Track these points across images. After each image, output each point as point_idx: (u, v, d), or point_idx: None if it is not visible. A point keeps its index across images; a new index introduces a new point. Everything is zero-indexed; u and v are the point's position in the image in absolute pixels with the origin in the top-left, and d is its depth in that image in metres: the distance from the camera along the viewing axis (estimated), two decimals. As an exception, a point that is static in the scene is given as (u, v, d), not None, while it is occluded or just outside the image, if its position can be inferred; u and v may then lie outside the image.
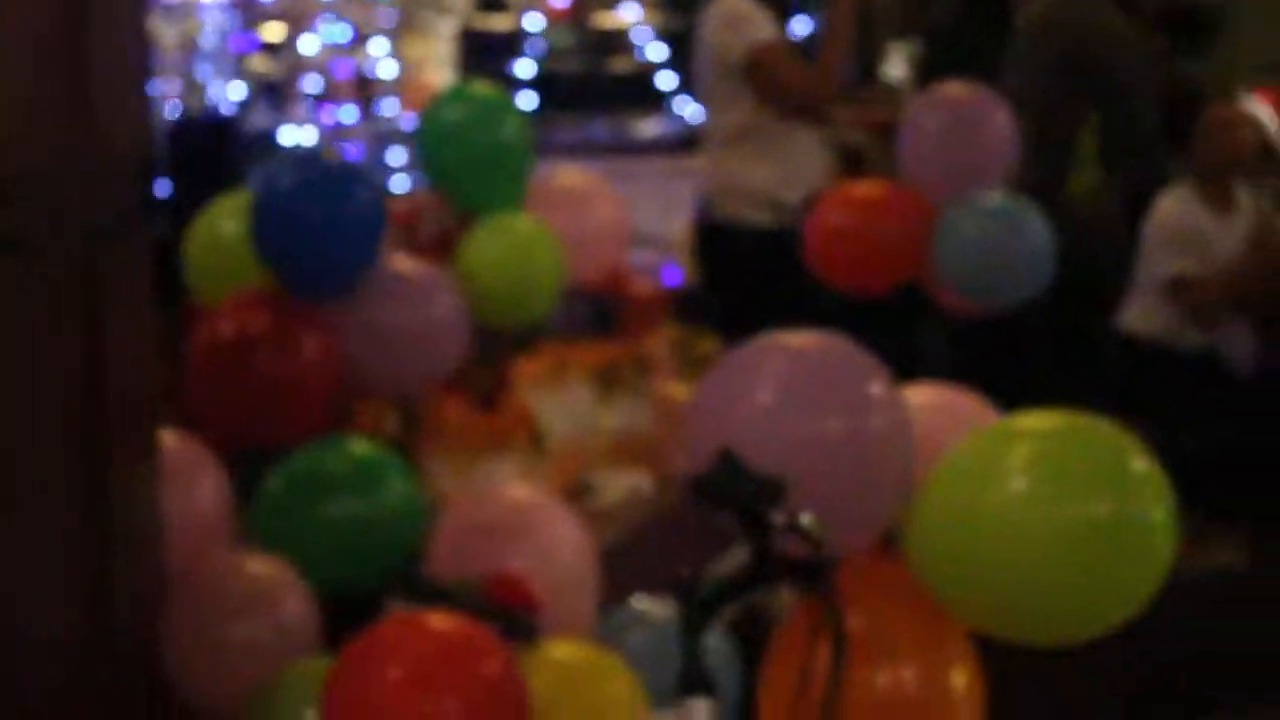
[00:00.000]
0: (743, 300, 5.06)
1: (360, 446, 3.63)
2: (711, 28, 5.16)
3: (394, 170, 8.73)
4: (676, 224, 6.97)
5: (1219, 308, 5.33)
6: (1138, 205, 6.21)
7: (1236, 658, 4.63)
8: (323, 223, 3.77)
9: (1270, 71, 9.88)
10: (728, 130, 5.16)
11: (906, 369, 2.76)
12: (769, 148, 5.14)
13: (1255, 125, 6.68)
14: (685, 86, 9.31)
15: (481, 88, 4.66)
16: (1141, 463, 2.45)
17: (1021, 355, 5.38)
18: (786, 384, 2.54)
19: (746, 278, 5.00)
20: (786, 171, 5.10)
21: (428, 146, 4.45)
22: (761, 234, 4.95)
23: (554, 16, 10.20)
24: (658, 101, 9.36)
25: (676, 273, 6.67)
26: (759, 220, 5.03)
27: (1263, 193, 5.99)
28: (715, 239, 5.19)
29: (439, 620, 2.67)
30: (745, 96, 5.12)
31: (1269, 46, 10.11)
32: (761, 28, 5.10)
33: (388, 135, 8.86)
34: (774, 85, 5.07)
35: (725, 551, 2.62)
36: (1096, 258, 5.74)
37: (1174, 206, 5.42)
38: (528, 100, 9.26)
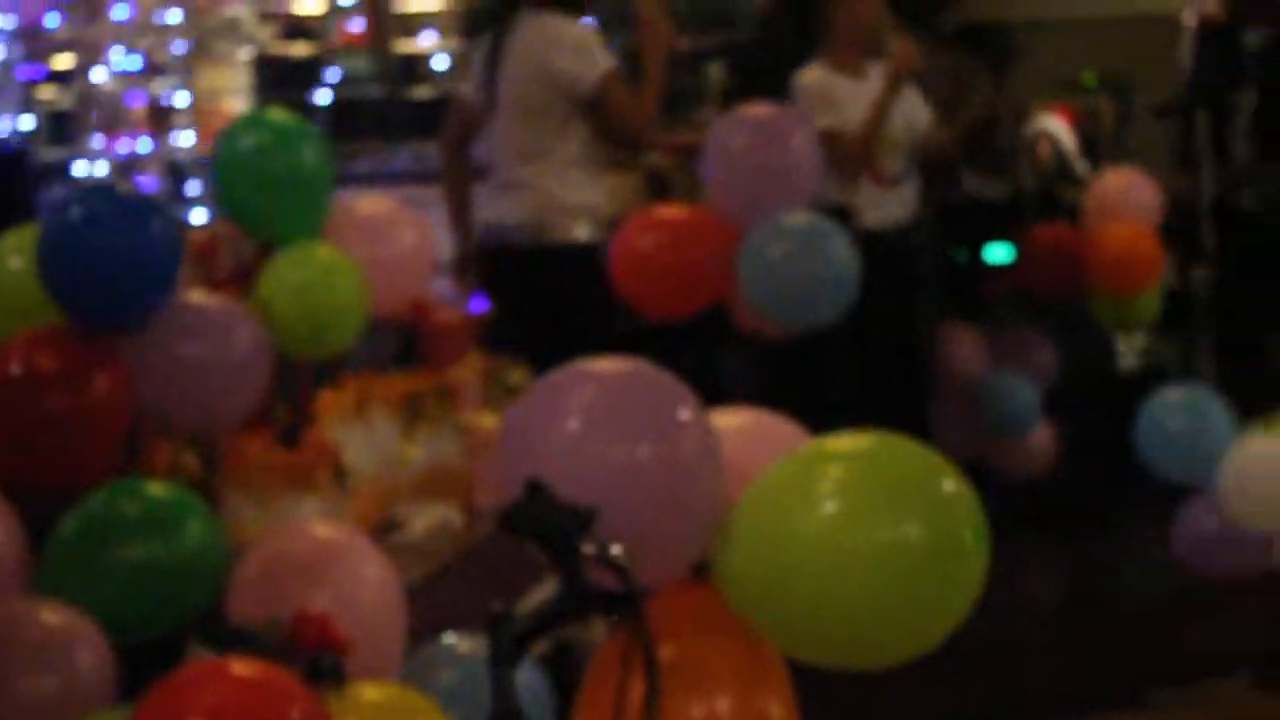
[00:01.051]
0: (561, 322, 5.02)
1: (156, 487, 3.52)
2: (554, 54, 5.10)
3: (191, 202, 8.58)
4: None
5: (856, 160, 5.43)
6: (940, 223, 6.29)
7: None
8: (115, 256, 3.66)
9: (1064, 89, 10.10)
10: (563, 155, 5.10)
11: (713, 392, 2.74)
12: (599, 171, 5.14)
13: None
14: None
15: (277, 114, 4.55)
16: (952, 484, 2.44)
17: (825, 376, 5.40)
18: (593, 412, 2.50)
19: (575, 297, 4.95)
20: (607, 194, 5.11)
21: (223, 175, 4.34)
22: (594, 251, 4.92)
23: (352, 43, 10.10)
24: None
25: (483, 300, 6.62)
26: (592, 239, 5.01)
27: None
28: (540, 261, 5.13)
29: (241, 665, 2.58)
30: (583, 123, 5.09)
31: (1060, 64, 10.32)
32: (606, 57, 5.09)
33: (183, 166, 8.71)
34: (616, 116, 5.07)
35: (536, 584, 2.57)
36: (899, 276, 5.80)
37: (815, 74, 5.53)
38: (327, 128, 9.17)
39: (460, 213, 5.48)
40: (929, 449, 2.50)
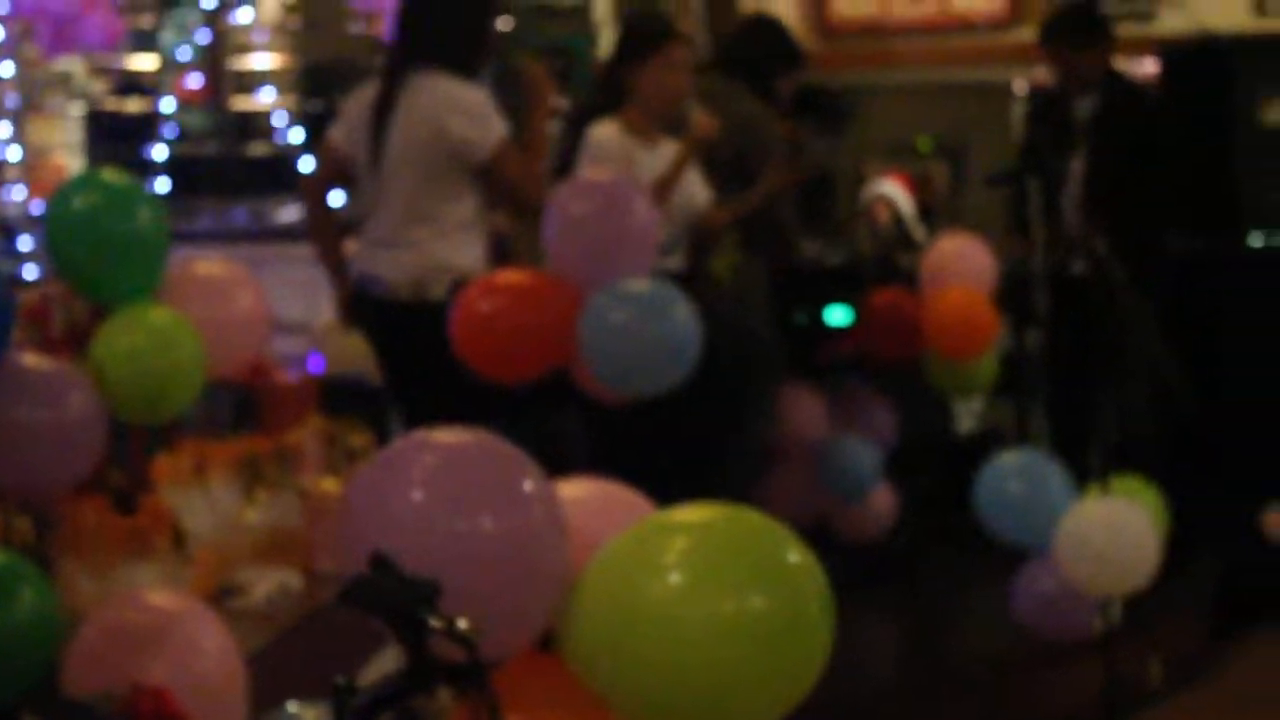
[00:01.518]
0: (434, 377, 4.99)
1: (-12, 555, 3.45)
2: (449, 119, 5.04)
3: (22, 258, 8.44)
4: (321, 311, 6.87)
5: None
6: (777, 284, 6.33)
7: None
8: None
9: (895, 153, 10.23)
10: (452, 218, 5.07)
11: (554, 457, 2.73)
12: (479, 235, 5.14)
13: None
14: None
15: (111, 174, 4.50)
16: (797, 555, 2.46)
17: (668, 441, 5.40)
18: (436, 482, 2.49)
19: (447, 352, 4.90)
20: (482, 257, 5.11)
21: (56, 237, 4.29)
22: None
23: (189, 99, 10.00)
24: (297, 186, 9.23)
25: (320, 361, 6.56)
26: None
27: None
28: (416, 317, 5.08)
29: (76, 741, 2.54)
30: (475, 188, 5.07)
31: (894, 129, 10.47)
32: (500, 124, 5.07)
33: (14, 221, 8.57)
34: (511, 183, 5.07)
35: (380, 651, 2.54)
36: (739, 338, 5.83)
37: (608, 130, 5.49)
38: (163, 185, 9.07)
39: (332, 258, 5.42)
40: (773, 520, 2.51)
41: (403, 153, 5.10)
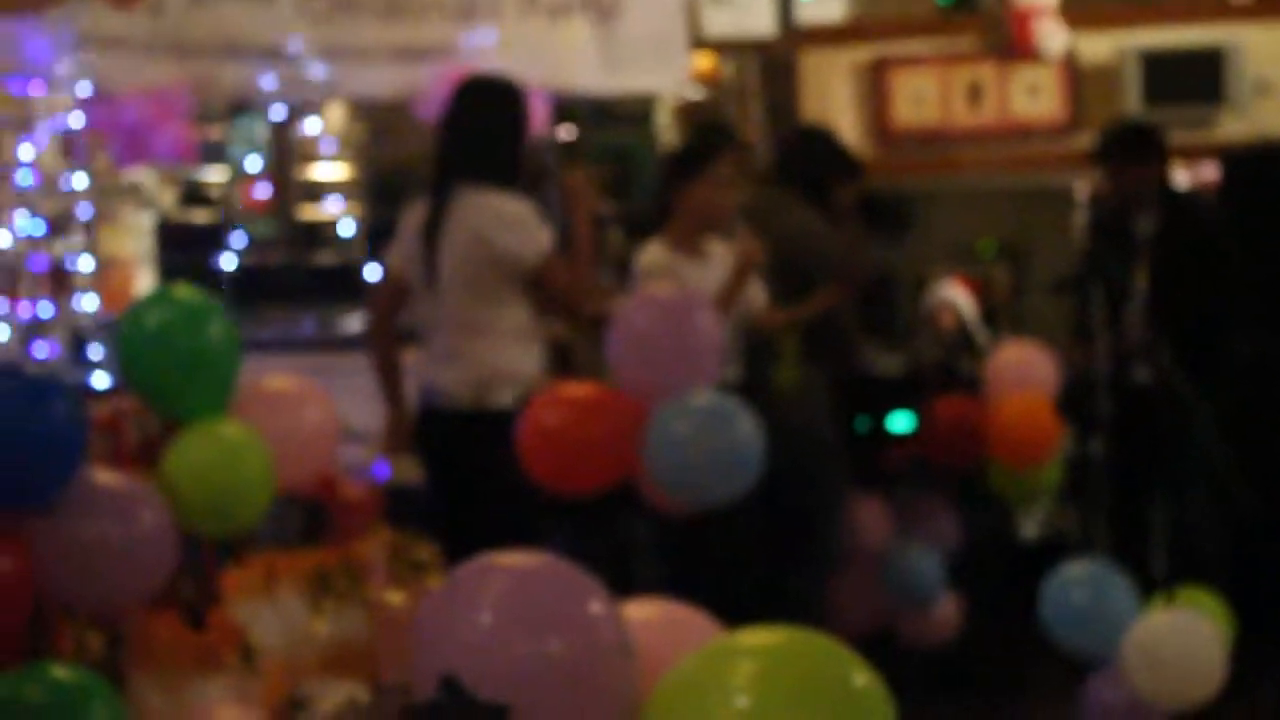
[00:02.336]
0: (492, 483, 5.06)
1: (61, 672, 3.49)
2: (495, 232, 5.13)
3: (93, 366, 8.52)
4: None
5: None
6: (839, 392, 6.35)
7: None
8: (18, 435, 3.65)
9: (958, 258, 10.27)
10: (503, 327, 5.14)
11: (623, 566, 2.75)
12: (535, 341, 5.22)
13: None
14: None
15: (184, 290, 4.57)
16: (863, 679, 2.46)
17: (738, 552, 5.43)
18: (505, 606, 2.51)
19: (508, 459, 4.93)
20: (535, 366, 5.16)
21: (129, 353, 4.35)
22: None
23: (256, 209, 10.12)
24: (363, 294, 9.31)
25: (387, 470, 6.60)
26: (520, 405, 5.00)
27: None
28: (477, 425, 5.14)
29: None
30: (524, 295, 5.14)
31: (956, 235, 10.51)
32: (545, 233, 5.15)
33: (86, 331, 8.66)
34: (558, 291, 5.17)
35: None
36: (804, 448, 5.84)
37: (655, 253, 5.63)
38: (231, 295, 9.16)
39: (391, 382, 5.51)
40: (838, 643, 2.51)
41: (453, 267, 5.20)
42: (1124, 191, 7.09)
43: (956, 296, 9.22)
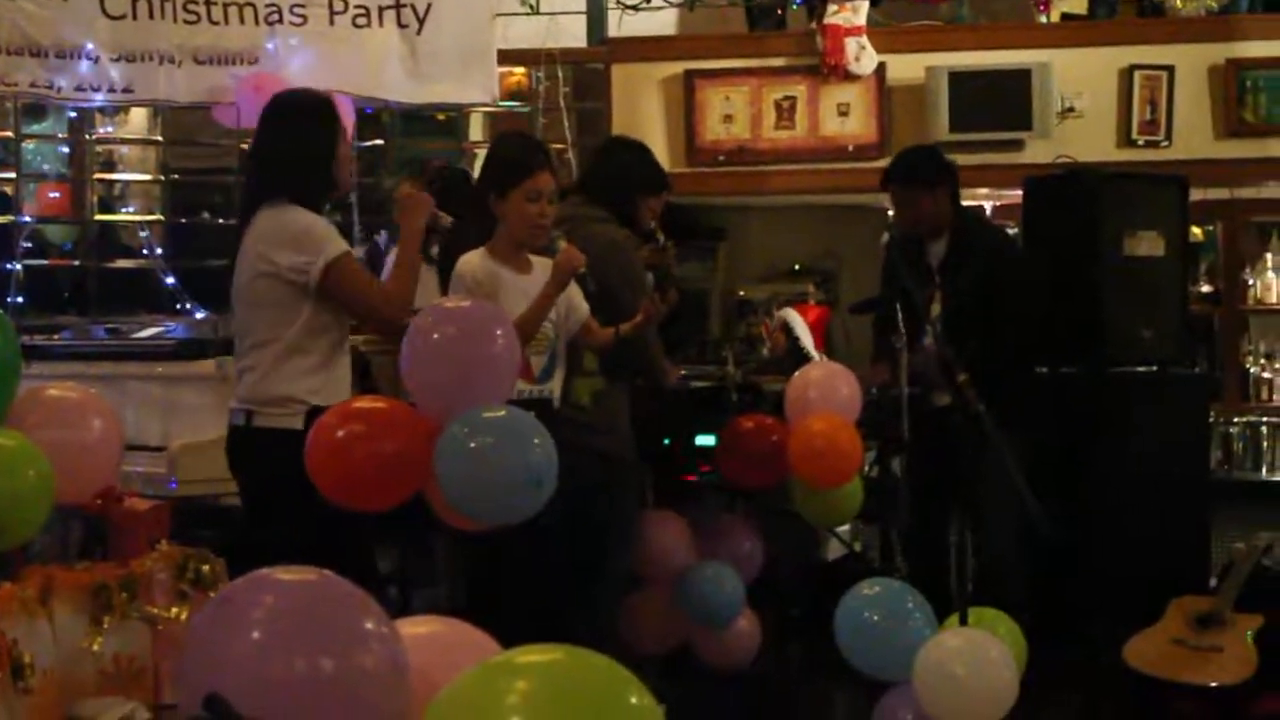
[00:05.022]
0: (268, 505, 4.99)
1: None
2: (274, 246, 5.04)
3: None
4: (176, 433, 6.77)
5: None
6: (642, 409, 6.31)
7: None
8: None
9: (764, 278, 10.32)
10: (291, 340, 5.04)
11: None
12: (329, 358, 5.10)
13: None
14: (187, 289, 9.13)
15: (-42, 297, 4.43)
16: (638, 697, 2.42)
17: (533, 568, 5.36)
18: (276, 622, 2.44)
19: (277, 481, 4.85)
20: (327, 383, 5.05)
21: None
22: (298, 438, 4.79)
23: (49, 211, 9.90)
24: (157, 304, 9.13)
25: (174, 485, 6.46)
26: (299, 426, 4.90)
27: None
28: (261, 447, 5.05)
29: None
30: (305, 311, 5.04)
31: (764, 252, 10.56)
32: (332, 245, 5.05)
33: None
34: (353, 302, 5.08)
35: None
36: (601, 465, 5.79)
37: (475, 261, 5.54)
38: (20, 300, 8.96)
39: None
40: (615, 663, 2.47)
41: (242, 285, 5.15)
42: (913, 217, 7.13)
43: (789, 316, 9.25)
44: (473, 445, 4.29)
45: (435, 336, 4.44)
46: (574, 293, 5.61)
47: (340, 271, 5.03)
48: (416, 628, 2.71)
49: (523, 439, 4.33)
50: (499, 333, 4.45)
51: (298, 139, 5.23)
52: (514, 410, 4.41)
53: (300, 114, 5.30)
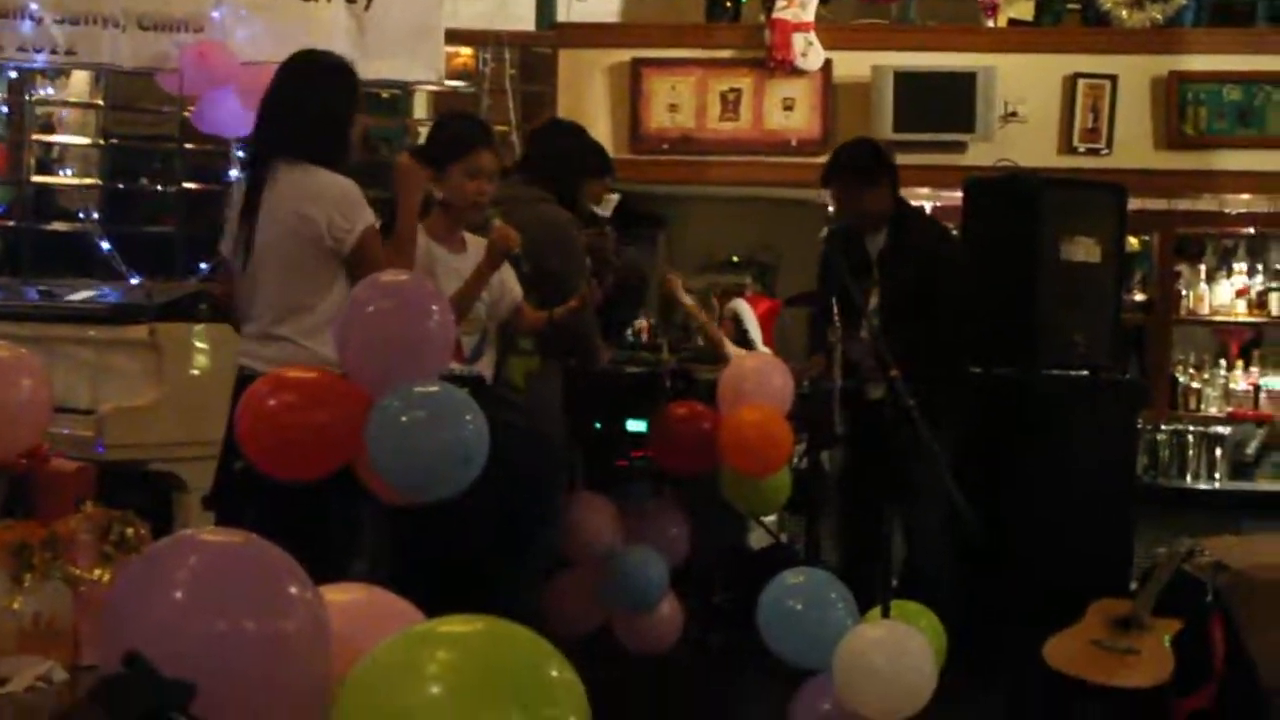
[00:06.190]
0: None
1: None
2: (316, 208, 4.98)
3: None
4: (105, 397, 6.74)
5: None
6: (576, 392, 6.31)
7: None
8: None
9: (702, 268, 10.35)
10: (322, 306, 4.99)
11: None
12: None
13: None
14: (123, 254, 9.08)
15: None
16: (558, 671, 2.43)
17: (458, 544, 5.36)
18: (199, 583, 2.44)
19: None
20: None
21: None
22: None
23: (-12, 172, 9.83)
24: (95, 265, 9.08)
25: (101, 448, 6.43)
26: None
27: None
28: None
29: None
30: (342, 279, 5.01)
31: (703, 245, 10.59)
32: (368, 212, 5.03)
33: None
34: (371, 270, 4.92)
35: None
36: (532, 445, 5.79)
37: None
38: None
39: None
40: (536, 635, 2.48)
41: (271, 245, 5.05)
42: (853, 212, 7.14)
43: (739, 308, 9.28)
44: (404, 419, 4.29)
45: (371, 309, 4.43)
46: (508, 276, 5.60)
47: (372, 240, 5.01)
48: (340, 595, 2.72)
49: (455, 415, 4.32)
50: (435, 309, 4.44)
51: (323, 98, 5.17)
52: (447, 386, 4.40)
53: (326, 73, 5.24)
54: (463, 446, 4.30)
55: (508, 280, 5.61)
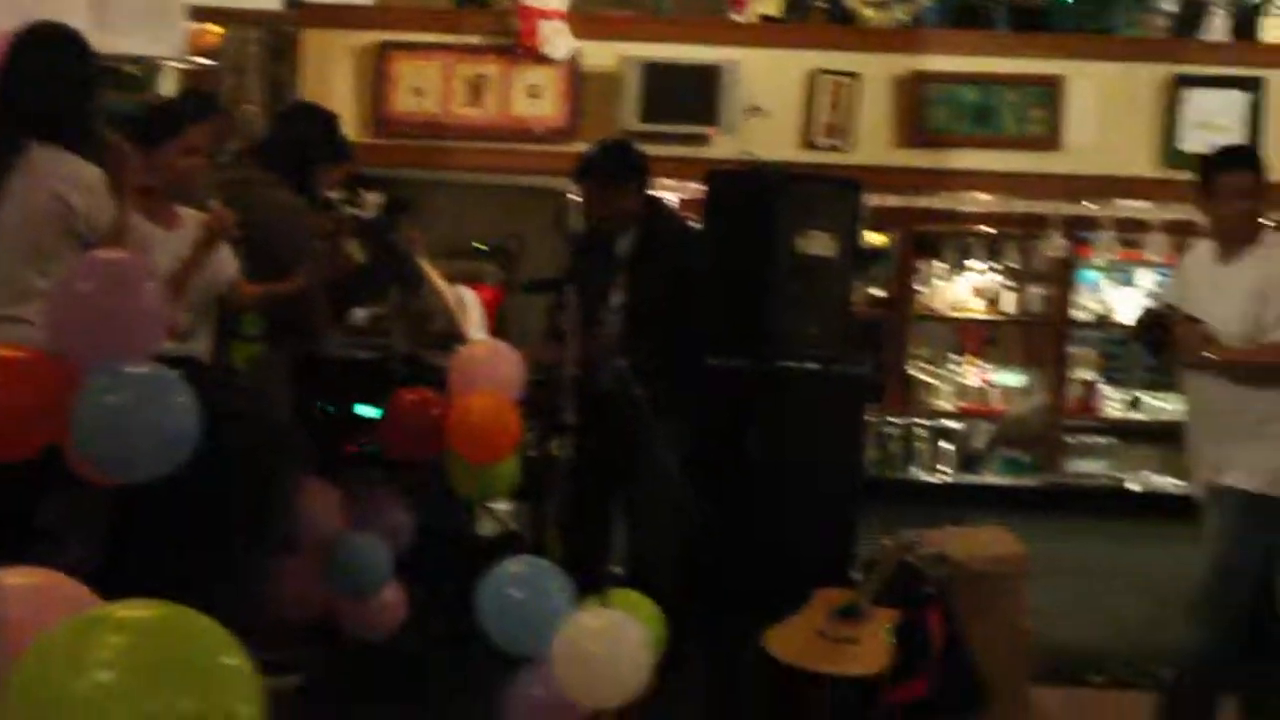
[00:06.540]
0: None
1: None
2: (71, 193, 4.87)
3: None
4: None
5: None
6: (304, 376, 6.26)
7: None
8: None
9: (447, 254, 10.30)
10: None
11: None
12: None
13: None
14: None
15: None
16: (232, 658, 2.42)
17: (173, 529, 5.28)
18: None
19: None
20: None
21: None
22: None
23: None
24: None
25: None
26: None
27: None
28: None
29: None
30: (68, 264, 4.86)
31: (447, 232, 10.55)
32: (110, 202, 4.93)
33: None
34: None
35: None
36: (254, 428, 5.72)
37: None
38: None
39: None
40: (213, 622, 2.47)
41: (17, 227, 4.92)
42: (604, 211, 7.20)
43: (465, 294, 9.24)
44: (110, 399, 4.22)
45: (79, 286, 4.35)
46: (223, 253, 5.55)
47: (115, 233, 4.91)
48: (13, 579, 2.67)
49: (163, 396, 4.26)
50: (146, 286, 4.37)
51: (62, 74, 5.05)
52: (157, 366, 4.34)
53: (60, 46, 5.10)
54: (170, 428, 4.25)
55: (223, 256, 5.55)
